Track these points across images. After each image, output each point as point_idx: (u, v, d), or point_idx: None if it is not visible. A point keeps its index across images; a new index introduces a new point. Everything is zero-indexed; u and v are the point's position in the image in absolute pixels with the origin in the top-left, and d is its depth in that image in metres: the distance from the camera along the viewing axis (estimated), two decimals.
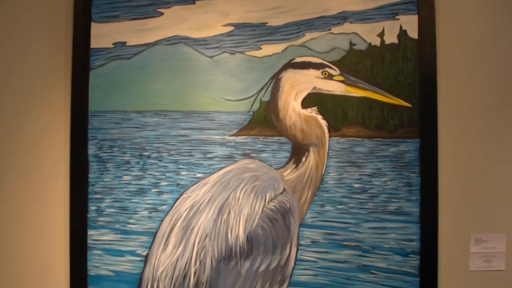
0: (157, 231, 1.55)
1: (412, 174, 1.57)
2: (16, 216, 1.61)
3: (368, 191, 1.57)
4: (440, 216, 1.57)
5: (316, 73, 1.56)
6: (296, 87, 1.56)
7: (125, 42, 1.60)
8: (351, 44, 1.59)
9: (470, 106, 1.59)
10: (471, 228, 1.59)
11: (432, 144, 1.57)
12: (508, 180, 1.60)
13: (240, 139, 1.58)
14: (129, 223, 1.59)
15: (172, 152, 1.59)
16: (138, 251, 1.58)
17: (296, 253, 1.56)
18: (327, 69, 1.56)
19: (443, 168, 1.58)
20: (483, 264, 1.59)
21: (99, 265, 1.59)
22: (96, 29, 1.60)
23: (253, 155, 1.58)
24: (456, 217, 1.59)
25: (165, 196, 1.58)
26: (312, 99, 1.56)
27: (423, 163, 1.57)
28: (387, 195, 1.57)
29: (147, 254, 1.55)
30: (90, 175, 1.59)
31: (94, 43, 1.60)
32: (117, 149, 1.60)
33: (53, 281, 1.60)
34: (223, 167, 1.57)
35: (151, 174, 1.59)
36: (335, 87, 1.56)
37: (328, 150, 1.57)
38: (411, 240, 1.56)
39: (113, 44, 1.60)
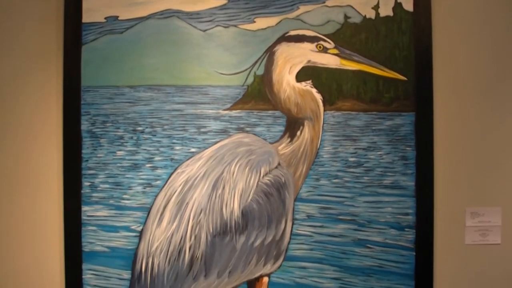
0: (151, 206, 1.54)
1: (407, 148, 1.56)
2: (9, 192, 1.60)
3: (364, 165, 1.56)
4: (436, 190, 1.57)
5: (311, 46, 1.54)
6: (291, 60, 1.54)
7: (117, 16, 1.58)
8: (346, 17, 1.57)
9: (465, 79, 1.58)
10: (467, 201, 1.59)
11: (427, 117, 1.56)
12: (504, 153, 1.59)
13: (234, 113, 1.57)
14: (123, 199, 1.58)
15: (165, 126, 1.58)
16: (132, 227, 1.57)
17: (292, 227, 1.55)
18: (321, 42, 1.54)
19: (439, 142, 1.57)
20: (479, 237, 1.59)
21: (93, 241, 1.58)
22: (87, 3, 1.58)
23: (248, 129, 1.57)
24: (452, 191, 1.58)
25: (159, 171, 1.57)
26: (306, 73, 1.55)
27: (419, 137, 1.56)
28: (383, 169, 1.56)
29: (142, 229, 1.54)
30: (83, 151, 1.58)
31: (86, 18, 1.58)
32: (110, 124, 1.58)
33: (48, 257, 1.59)
34: (217, 142, 1.56)
35: (145, 149, 1.58)
36: (330, 61, 1.55)
37: (323, 123, 1.56)
38: (406, 214, 1.56)
39: (105, 18, 1.58)
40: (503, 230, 1.59)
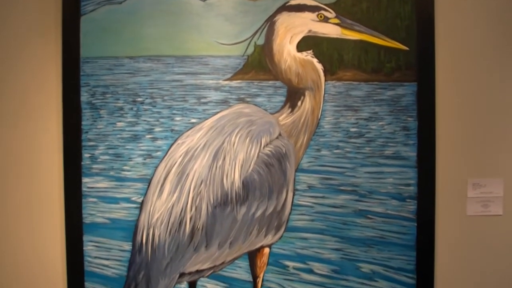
0: (152, 177, 1.53)
1: (409, 118, 1.55)
2: (9, 163, 1.59)
3: (365, 136, 1.55)
4: (438, 161, 1.56)
5: (312, 15, 1.53)
6: (291, 30, 1.53)
7: None
8: None
9: (468, 48, 1.57)
10: (469, 172, 1.58)
11: (429, 87, 1.55)
12: (507, 124, 1.58)
13: (234, 83, 1.56)
14: (124, 170, 1.57)
15: (165, 97, 1.57)
16: (133, 198, 1.57)
17: (293, 198, 1.55)
18: (322, 11, 1.53)
19: (441, 112, 1.56)
20: (481, 209, 1.58)
21: (94, 212, 1.58)
22: None
23: (248, 99, 1.56)
24: (454, 162, 1.57)
25: (159, 142, 1.56)
26: (307, 43, 1.53)
27: (421, 107, 1.55)
28: (384, 140, 1.55)
29: (142, 201, 1.53)
30: (83, 122, 1.57)
31: None
32: (110, 95, 1.57)
33: (49, 229, 1.59)
34: (217, 112, 1.55)
35: (145, 120, 1.57)
36: (331, 30, 1.53)
37: (324, 94, 1.54)
38: (408, 185, 1.55)
39: None
40: (505, 201, 1.58)
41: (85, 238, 1.58)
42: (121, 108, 1.57)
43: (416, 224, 1.55)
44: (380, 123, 1.55)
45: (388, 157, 1.55)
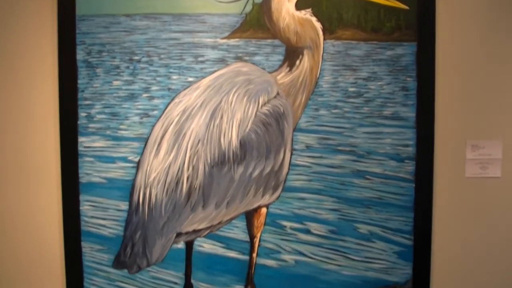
0: (148, 136, 1.52)
1: (408, 78, 1.54)
2: (3, 124, 1.58)
3: (364, 95, 1.54)
4: (437, 122, 1.55)
5: None
6: None
7: None
8: None
9: (469, 8, 1.55)
10: (468, 134, 1.57)
11: (429, 47, 1.53)
12: (507, 86, 1.56)
13: (232, 42, 1.54)
14: (120, 129, 1.56)
15: (162, 56, 1.55)
16: (130, 157, 1.56)
17: (290, 158, 1.54)
18: None
19: (441, 73, 1.54)
20: (479, 170, 1.57)
21: (91, 172, 1.57)
22: None
23: (246, 58, 1.54)
24: (453, 123, 1.56)
25: (156, 101, 1.55)
26: (306, 1, 1.51)
27: (420, 67, 1.53)
28: (383, 100, 1.54)
29: (139, 160, 1.52)
30: (79, 81, 1.55)
31: None
32: (106, 54, 1.55)
33: (45, 189, 1.58)
34: (215, 71, 1.53)
35: (141, 79, 1.55)
36: None
37: (323, 53, 1.53)
38: (406, 146, 1.54)
39: None
40: (503, 164, 1.57)
41: (82, 197, 1.57)
42: (118, 67, 1.55)
43: (414, 185, 1.54)
44: (379, 83, 1.54)
45: (386, 118, 1.54)
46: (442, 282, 1.58)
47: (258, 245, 1.55)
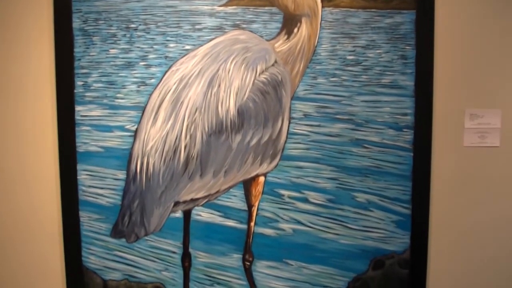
0: (146, 105, 1.51)
1: (407, 47, 1.53)
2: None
3: (362, 64, 1.53)
4: (435, 90, 1.54)
5: None
6: None
7: None
8: None
9: None
10: (467, 103, 1.56)
11: (429, 15, 1.52)
12: (506, 55, 1.55)
13: (229, 9, 1.53)
14: (117, 98, 1.55)
15: (159, 23, 1.53)
16: (127, 126, 1.55)
17: (288, 126, 1.53)
18: None
19: (440, 41, 1.53)
20: (478, 140, 1.57)
21: (87, 141, 1.57)
22: None
23: (244, 26, 1.53)
24: (452, 92, 1.55)
25: (153, 69, 1.54)
26: None
27: (419, 36, 1.52)
28: (382, 68, 1.53)
29: (136, 129, 1.51)
30: (75, 50, 1.54)
31: None
32: (102, 22, 1.54)
33: (42, 158, 1.58)
34: (212, 39, 1.52)
35: (138, 47, 1.54)
36: None
37: (321, 20, 1.51)
38: (405, 114, 1.53)
39: None
40: (502, 133, 1.57)
41: (79, 167, 1.57)
42: (114, 35, 1.54)
43: (412, 154, 1.54)
44: (378, 51, 1.53)
45: (385, 86, 1.53)
46: (440, 251, 1.58)
47: (256, 214, 1.55)
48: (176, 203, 1.50)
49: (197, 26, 1.53)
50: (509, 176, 1.58)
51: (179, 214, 1.56)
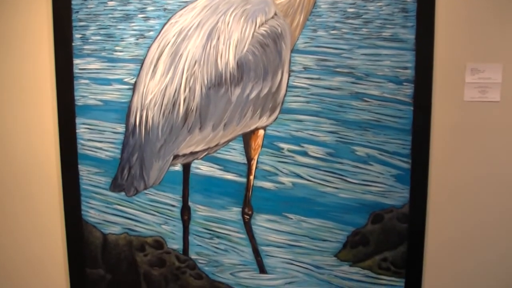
0: (144, 58, 1.51)
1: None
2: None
3: (363, 16, 1.51)
4: (436, 44, 1.52)
5: None
6: None
7: None
8: None
9: None
10: (468, 57, 1.54)
11: None
12: (509, 9, 1.54)
13: None
14: (116, 51, 1.54)
15: None
16: (126, 79, 1.54)
17: (288, 79, 1.52)
18: None
19: None
20: (478, 94, 1.56)
21: (86, 94, 1.56)
22: None
23: None
24: (453, 45, 1.54)
25: (152, 22, 1.52)
26: None
27: None
28: (382, 21, 1.51)
29: (135, 82, 1.51)
30: (73, 2, 1.53)
31: None
32: None
33: (40, 111, 1.58)
34: None
35: None
36: None
37: None
38: (405, 68, 1.52)
39: None
40: (502, 88, 1.56)
41: (78, 120, 1.57)
42: None
43: (412, 108, 1.53)
44: (378, 4, 1.51)
45: (385, 39, 1.52)
46: (439, 206, 1.58)
47: (256, 167, 1.55)
48: (176, 156, 1.50)
49: None
50: (509, 131, 1.57)
51: (178, 167, 1.55)
